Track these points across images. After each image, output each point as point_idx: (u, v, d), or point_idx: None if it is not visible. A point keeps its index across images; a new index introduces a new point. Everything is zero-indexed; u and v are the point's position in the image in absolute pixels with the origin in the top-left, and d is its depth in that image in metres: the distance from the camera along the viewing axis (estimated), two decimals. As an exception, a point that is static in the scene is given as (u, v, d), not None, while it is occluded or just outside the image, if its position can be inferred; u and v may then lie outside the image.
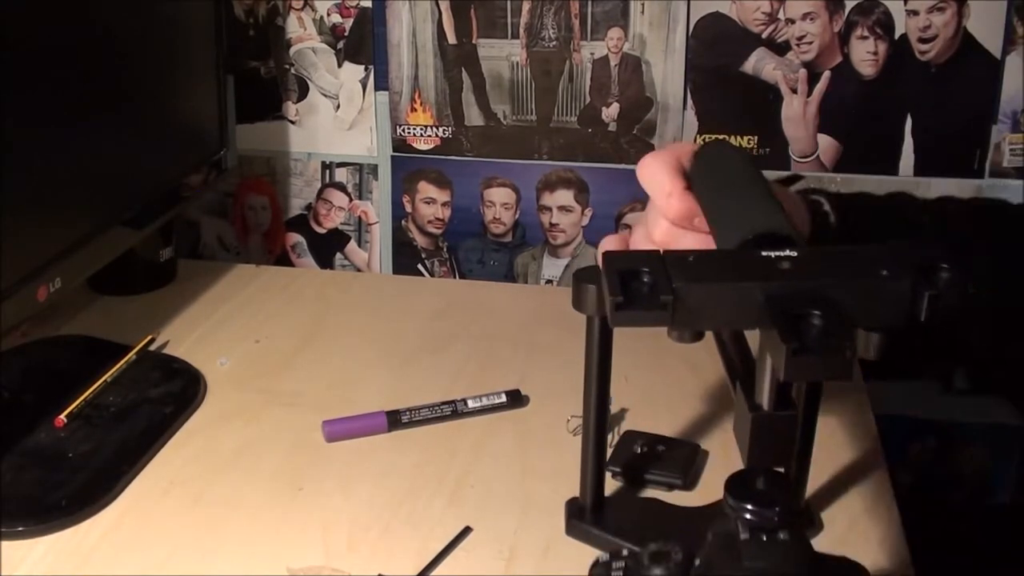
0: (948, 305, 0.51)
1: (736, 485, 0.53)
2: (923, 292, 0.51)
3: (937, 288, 0.52)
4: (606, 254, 0.55)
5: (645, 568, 0.53)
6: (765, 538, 0.51)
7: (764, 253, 0.54)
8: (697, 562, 0.54)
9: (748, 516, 0.52)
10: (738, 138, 1.13)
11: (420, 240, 1.24)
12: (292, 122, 1.22)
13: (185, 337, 1.04)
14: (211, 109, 1.11)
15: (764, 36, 1.10)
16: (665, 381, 0.96)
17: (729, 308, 0.52)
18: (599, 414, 0.73)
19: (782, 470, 0.54)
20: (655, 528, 0.74)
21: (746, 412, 0.52)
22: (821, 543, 0.74)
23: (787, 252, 0.53)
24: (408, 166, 1.21)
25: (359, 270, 1.27)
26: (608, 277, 0.53)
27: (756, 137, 1.13)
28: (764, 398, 0.51)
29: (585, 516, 0.76)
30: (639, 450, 0.83)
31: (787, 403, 0.51)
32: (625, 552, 0.56)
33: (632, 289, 0.52)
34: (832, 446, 0.85)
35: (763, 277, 0.52)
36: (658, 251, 0.54)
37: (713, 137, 1.14)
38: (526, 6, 1.12)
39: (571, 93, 1.15)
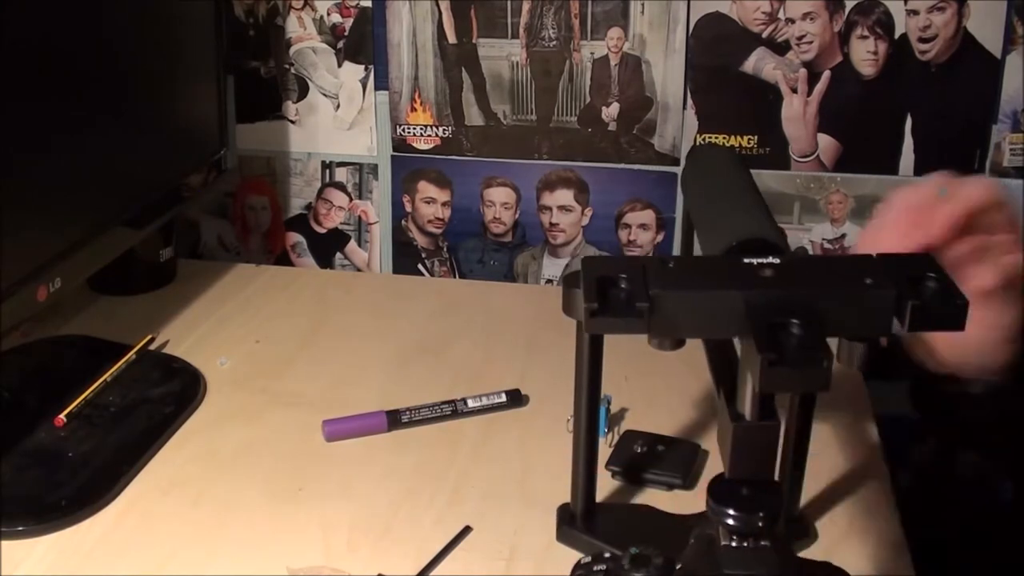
0: (933, 316, 0.49)
1: (719, 489, 0.51)
2: (907, 302, 0.49)
3: (923, 298, 0.50)
4: (585, 259, 0.54)
5: (625, 572, 0.52)
6: (746, 544, 0.49)
7: (746, 260, 0.52)
8: (679, 566, 0.53)
9: (731, 522, 0.50)
10: (738, 138, 1.13)
11: (420, 240, 1.24)
12: (292, 122, 1.22)
13: (185, 337, 1.04)
14: (211, 109, 1.11)
15: (764, 36, 1.10)
16: (665, 381, 0.95)
17: (708, 316, 0.51)
18: (589, 420, 0.72)
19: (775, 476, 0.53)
20: (647, 535, 0.73)
21: (728, 422, 0.51)
22: (819, 545, 0.74)
23: (770, 259, 0.52)
24: (408, 166, 1.21)
25: (359, 270, 1.27)
26: (585, 283, 0.52)
27: (756, 137, 1.13)
28: (746, 407, 0.50)
29: (576, 523, 0.75)
30: (639, 450, 0.83)
31: (769, 413, 0.50)
32: (607, 555, 0.55)
33: (609, 296, 0.51)
34: (832, 448, 0.85)
35: (744, 285, 0.50)
36: (639, 258, 0.53)
37: (709, 138, 1.14)
38: (526, 6, 1.12)
39: (571, 93, 1.15)
